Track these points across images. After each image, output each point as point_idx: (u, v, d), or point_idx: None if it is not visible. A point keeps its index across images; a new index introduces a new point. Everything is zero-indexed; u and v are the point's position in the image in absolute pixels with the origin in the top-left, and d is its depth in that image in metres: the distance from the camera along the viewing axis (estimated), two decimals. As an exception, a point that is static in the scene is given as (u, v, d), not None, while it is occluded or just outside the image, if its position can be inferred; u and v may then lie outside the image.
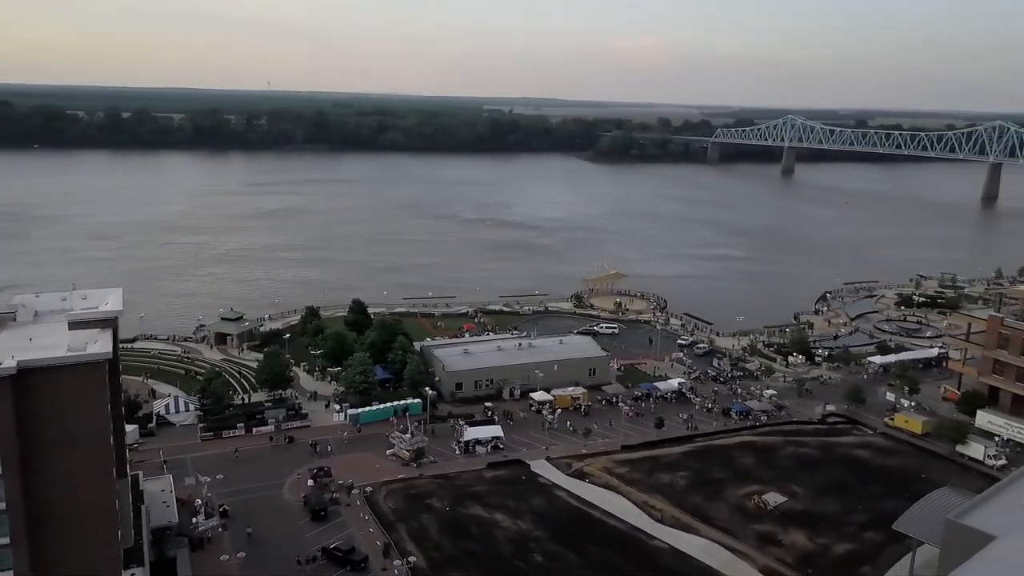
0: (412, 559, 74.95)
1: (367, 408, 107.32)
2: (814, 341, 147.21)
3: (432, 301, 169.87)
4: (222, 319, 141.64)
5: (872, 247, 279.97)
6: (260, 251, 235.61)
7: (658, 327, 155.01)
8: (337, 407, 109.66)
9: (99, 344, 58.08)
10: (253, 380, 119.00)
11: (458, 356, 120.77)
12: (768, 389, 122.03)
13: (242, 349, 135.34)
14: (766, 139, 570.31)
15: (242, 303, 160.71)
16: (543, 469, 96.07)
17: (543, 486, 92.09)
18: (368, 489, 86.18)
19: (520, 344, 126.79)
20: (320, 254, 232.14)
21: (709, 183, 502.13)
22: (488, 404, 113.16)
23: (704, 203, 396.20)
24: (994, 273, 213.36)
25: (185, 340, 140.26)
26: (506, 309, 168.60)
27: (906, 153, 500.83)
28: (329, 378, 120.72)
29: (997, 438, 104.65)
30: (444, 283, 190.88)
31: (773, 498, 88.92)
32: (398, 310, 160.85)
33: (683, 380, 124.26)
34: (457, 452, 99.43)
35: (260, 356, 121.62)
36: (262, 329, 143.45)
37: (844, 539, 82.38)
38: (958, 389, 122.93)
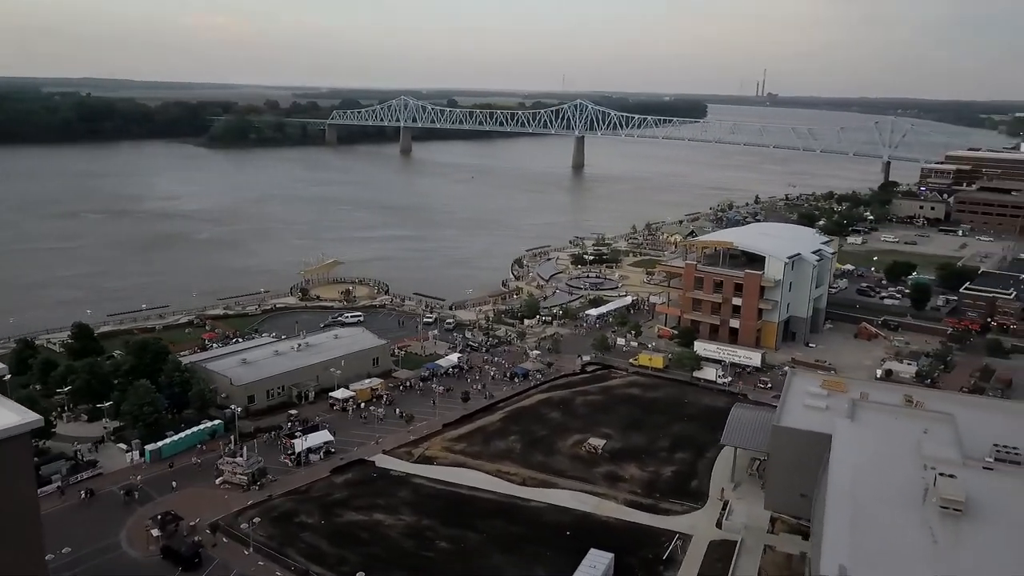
0: (330, 579, 71.61)
1: (168, 440, 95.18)
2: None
3: (144, 314, 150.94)
4: None
5: (512, 215, 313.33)
6: None
7: (397, 310, 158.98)
8: (124, 446, 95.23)
9: None
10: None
11: (240, 368, 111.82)
12: (534, 350, 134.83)
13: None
14: (382, 120, 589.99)
15: None
16: (387, 462, 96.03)
17: (399, 478, 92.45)
18: (245, 525, 78.22)
19: (298, 345, 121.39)
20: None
21: (337, 164, 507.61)
22: (292, 412, 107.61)
23: (343, 184, 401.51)
24: (631, 228, 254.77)
25: None
26: (230, 312, 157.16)
27: (508, 130, 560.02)
28: (86, 417, 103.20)
29: (721, 362, 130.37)
30: (114, 292, 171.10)
31: (596, 442, 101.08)
32: (104, 329, 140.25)
33: (460, 355, 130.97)
34: (291, 465, 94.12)
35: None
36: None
37: (666, 463, 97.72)
38: (665, 326, 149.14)
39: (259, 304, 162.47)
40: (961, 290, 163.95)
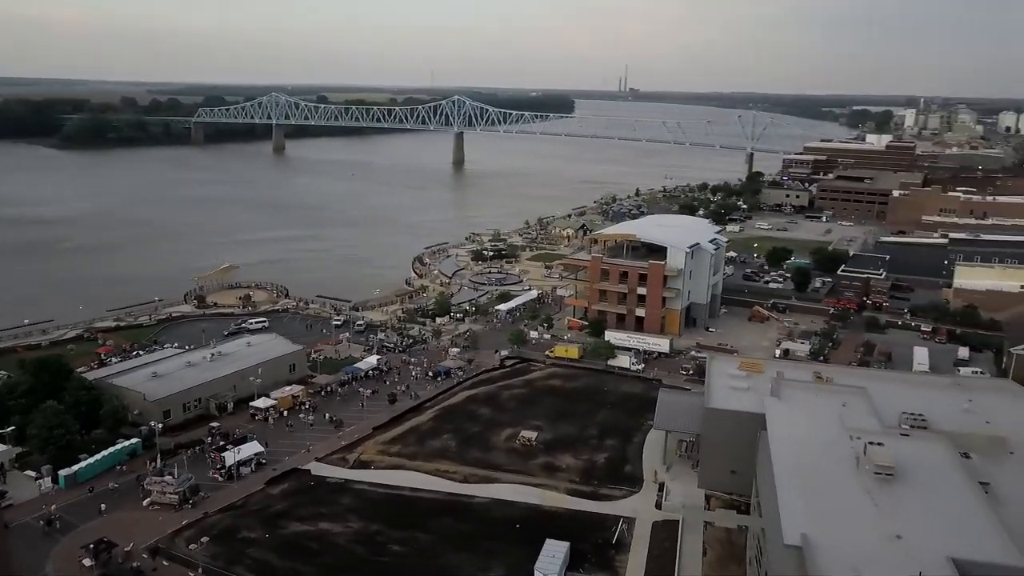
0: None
1: (83, 463, 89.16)
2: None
3: (26, 329, 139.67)
4: None
5: (401, 213, 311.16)
6: None
7: (301, 313, 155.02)
8: (32, 473, 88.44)
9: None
10: None
11: (153, 382, 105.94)
12: (453, 348, 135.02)
13: None
14: (253, 117, 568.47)
15: None
16: (323, 470, 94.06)
17: (337, 485, 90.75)
18: (193, 546, 74.55)
19: (211, 355, 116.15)
20: None
21: (208, 164, 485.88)
22: (214, 425, 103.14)
23: (219, 184, 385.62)
24: (524, 223, 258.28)
25: None
26: (122, 324, 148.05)
27: (386, 126, 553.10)
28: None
29: (633, 350, 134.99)
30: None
31: (529, 434, 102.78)
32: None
33: (379, 357, 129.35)
34: (221, 480, 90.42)
35: None
36: None
37: (597, 451, 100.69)
38: (574, 318, 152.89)
39: (152, 314, 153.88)
40: (838, 272, 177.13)
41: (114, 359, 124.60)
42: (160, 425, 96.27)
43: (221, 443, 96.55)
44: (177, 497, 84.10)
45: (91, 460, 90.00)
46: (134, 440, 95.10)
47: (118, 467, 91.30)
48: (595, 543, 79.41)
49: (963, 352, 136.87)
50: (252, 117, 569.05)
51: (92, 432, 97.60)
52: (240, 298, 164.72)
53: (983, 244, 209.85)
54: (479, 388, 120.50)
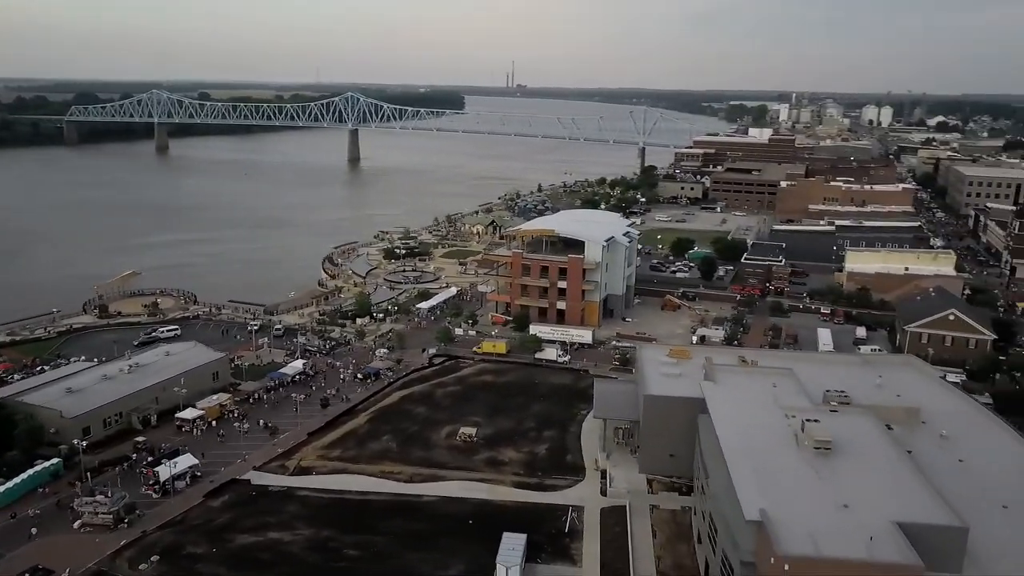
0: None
1: (1, 487, 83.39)
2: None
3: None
4: None
5: (300, 212, 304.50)
6: None
7: (214, 319, 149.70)
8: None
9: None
10: None
11: (68, 398, 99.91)
12: (380, 349, 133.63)
13: None
14: (132, 116, 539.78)
15: None
16: (263, 479, 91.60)
17: (281, 493, 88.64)
18: (143, 566, 71.06)
19: (128, 367, 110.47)
20: None
21: (87, 165, 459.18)
22: (140, 439, 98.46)
23: (102, 187, 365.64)
24: (433, 221, 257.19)
25: None
26: (18, 338, 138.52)
27: (278, 124, 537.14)
28: None
29: (558, 342, 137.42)
30: None
31: (468, 430, 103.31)
32: None
33: (304, 361, 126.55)
34: (156, 495, 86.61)
35: None
36: None
37: (537, 443, 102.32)
38: (497, 313, 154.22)
39: (49, 327, 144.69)
40: (742, 260, 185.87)
41: (15, 376, 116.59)
42: (84, 443, 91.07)
43: (149, 458, 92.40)
44: (111, 517, 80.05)
45: (9, 484, 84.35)
46: (55, 460, 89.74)
47: (40, 489, 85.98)
48: (548, 533, 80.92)
49: (861, 331, 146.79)
50: (132, 116, 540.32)
51: (5, 454, 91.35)
52: (146, 306, 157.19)
53: (866, 230, 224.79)
54: (412, 388, 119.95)
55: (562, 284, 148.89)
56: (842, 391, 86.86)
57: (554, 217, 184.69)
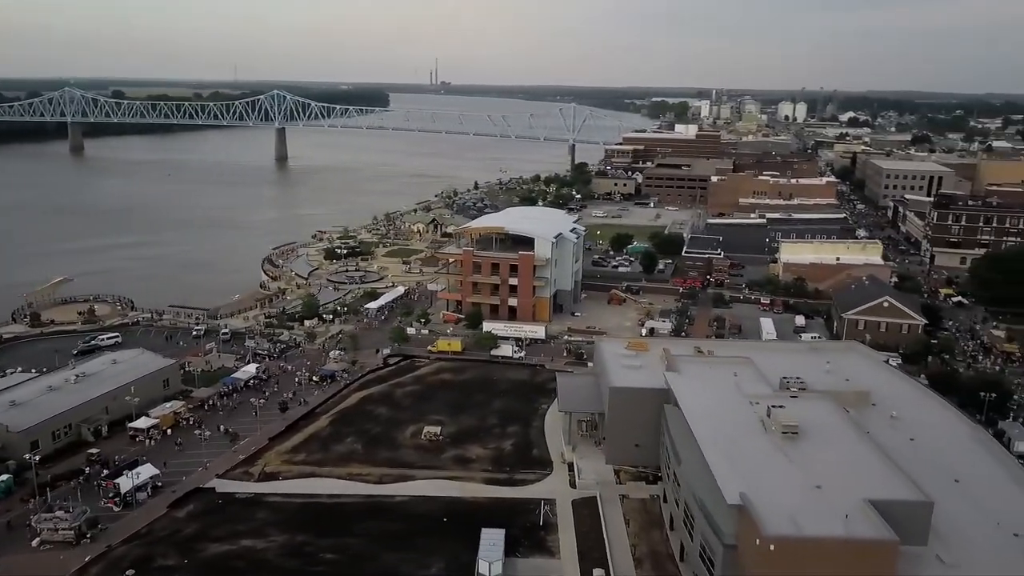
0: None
1: (-51, 508, 79.41)
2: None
3: None
4: None
5: (231, 213, 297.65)
6: None
7: (155, 325, 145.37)
8: None
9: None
10: None
11: (13, 411, 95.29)
12: (335, 351, 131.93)
13: None
14: (43, 115, 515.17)
15: None
16: (228, 486, 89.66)
17: (248, 500, 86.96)
18: None
19: (74, 377, 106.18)
20: None
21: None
22: (93, 452, 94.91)
23: (14, 188, 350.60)
24: (372, 220, 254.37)
25: None
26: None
27: (199, 123, 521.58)
28: None
29: (512, 338, 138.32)
30: None
31: (433, 429, 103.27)
32: None
33: (258, 365, 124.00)
34: (117, 508, 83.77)
35: None
36: None
37: (502, 438, 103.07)
38: (448, 311, 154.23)
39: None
40: (683, 253, 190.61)
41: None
42: (37, 458, 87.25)
43: (104, 471, 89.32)
44: (73, 533, 77.10)
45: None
46: (5, 476, 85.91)
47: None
48: (524, 527, 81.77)
49: (800, 320, 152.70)
50: (43, 115, 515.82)
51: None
52: (80, 313, 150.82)
53: (796, 223, 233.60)
54: (370, 389, 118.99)
55: (513, 281, 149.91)
56: (798, 378, 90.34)
57: (502, 214, 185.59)
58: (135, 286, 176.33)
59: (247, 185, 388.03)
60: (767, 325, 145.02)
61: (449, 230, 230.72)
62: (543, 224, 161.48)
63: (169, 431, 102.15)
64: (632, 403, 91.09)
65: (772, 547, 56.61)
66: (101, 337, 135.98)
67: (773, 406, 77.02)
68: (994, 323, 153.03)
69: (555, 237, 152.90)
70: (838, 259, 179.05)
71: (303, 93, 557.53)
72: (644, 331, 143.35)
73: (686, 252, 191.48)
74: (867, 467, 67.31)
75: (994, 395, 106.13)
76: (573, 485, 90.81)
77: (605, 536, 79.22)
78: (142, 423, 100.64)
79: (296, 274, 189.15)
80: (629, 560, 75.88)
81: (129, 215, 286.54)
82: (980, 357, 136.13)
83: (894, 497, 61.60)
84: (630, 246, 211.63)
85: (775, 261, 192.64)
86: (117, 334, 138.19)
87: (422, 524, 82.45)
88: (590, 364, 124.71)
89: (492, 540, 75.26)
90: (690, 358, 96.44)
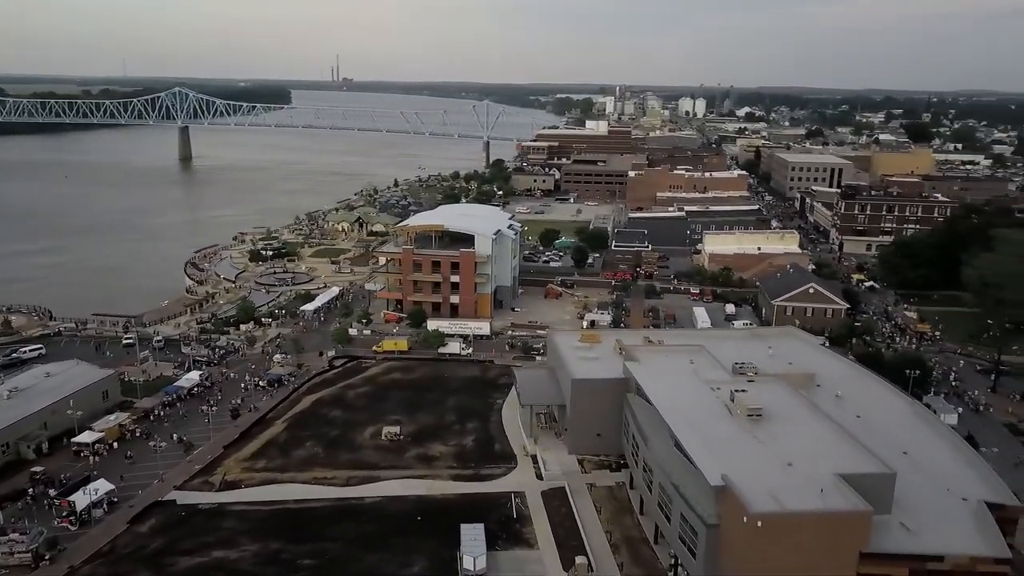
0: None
1: None
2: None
3: None
4: None
5: (138, 216, 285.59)
6: None
7: (80, 335, 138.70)
8: None
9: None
10: None
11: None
12: (279, 354, 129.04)
13: None
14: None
15: None
16: (189, 497, 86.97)
17: (213, 511, 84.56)
18: None
19: (7, 393, 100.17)
20: None
21: None
22: (36, 470, 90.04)
23: None
24: (294, 220, 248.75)
25: None
26: None
27: (94, 121, 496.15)
28: None
29: (460, 335, 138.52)
30: None
31: (392, 429, 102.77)
32: None
33: (200, 371, 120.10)
34: (73, 528, 80.00)
35: None
36: None
37: (463, 435, 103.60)
38: (389, 310, 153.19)
39: None
40: (612, 247, 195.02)
41: None
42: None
43: (51, 490, 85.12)
44: (30, 555, 73.34)
45: None
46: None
47: (-61, 533, 77.04)
48: (498, 520, 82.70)
49: (730, 308, 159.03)
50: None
51: None
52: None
53: (713, 215, 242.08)
54: (320, 391, 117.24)
55: (455, 278, 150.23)
56: (750, 363, 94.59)
57: (439, 212, 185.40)
58: (49, 294, 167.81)
59: (151, 186, 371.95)
60: (701, 314, 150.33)
61: (375, 228, 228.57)
62: (481, 221, 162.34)
63: (115, 444, 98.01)
64: (594, 394, 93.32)
65: (759, 523, 59.62)
66: (23, 349, 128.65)
67: (736, 391, 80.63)
68: (905, 305, 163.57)
69: (495, 234, 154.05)
70: (759, 249, 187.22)
71: (198, 89, 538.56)
72: (585, 323, 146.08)
73: (615, 246, 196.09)
74: (831, 444, 71.50)
75: (917, 372, 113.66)
76: (540, 477, 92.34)
77: (579, 524, 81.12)
78: (86, 437, 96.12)
79: (224, 278, 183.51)
80: (606, 546, 78.02)
81: (28, 220, 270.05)
82: (897, 338, 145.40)
83: (860, 471, 65.70)
84: (558, 241, 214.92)
85: (698, 252, 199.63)
86: (40, 346, 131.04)
87: (396, 524, 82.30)
88: (539, 358, 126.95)
89: (473, 535, 75.92)
90: (646, 348, 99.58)
